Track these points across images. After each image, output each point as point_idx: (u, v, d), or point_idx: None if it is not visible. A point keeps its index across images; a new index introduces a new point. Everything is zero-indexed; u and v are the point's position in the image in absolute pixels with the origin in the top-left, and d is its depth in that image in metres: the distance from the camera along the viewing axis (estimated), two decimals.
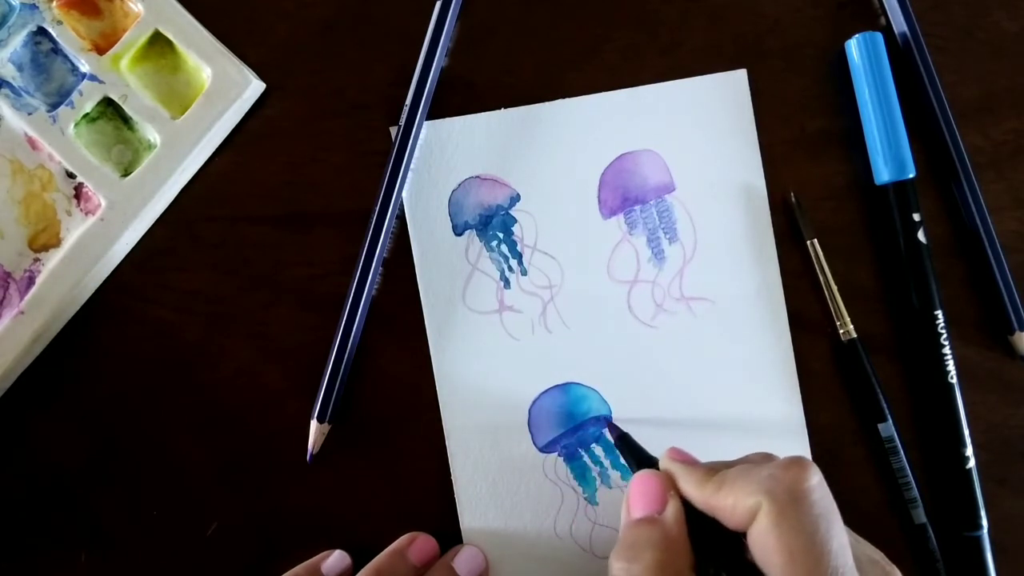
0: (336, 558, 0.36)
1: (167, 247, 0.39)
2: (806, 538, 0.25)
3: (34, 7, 0.38)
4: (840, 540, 0.25)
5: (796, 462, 0.26)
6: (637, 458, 0.33)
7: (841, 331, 0.37)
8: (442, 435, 0.38)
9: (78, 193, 0.38)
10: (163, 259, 0.38)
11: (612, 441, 0.36)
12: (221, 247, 0.38)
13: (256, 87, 0.38)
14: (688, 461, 0.30)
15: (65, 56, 0.38)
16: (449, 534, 0.37)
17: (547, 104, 0.38)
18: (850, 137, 0.38)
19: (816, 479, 0.26)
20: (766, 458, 0.29)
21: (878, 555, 0.28)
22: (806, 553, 0.24)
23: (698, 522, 0.28)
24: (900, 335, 0.38)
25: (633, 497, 0.30)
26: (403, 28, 0.38)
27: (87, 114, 0.38)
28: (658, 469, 0.31)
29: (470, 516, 0.37)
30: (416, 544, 0.36)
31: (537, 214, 0.38)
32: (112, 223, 0.37)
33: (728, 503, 0.27)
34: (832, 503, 0.26)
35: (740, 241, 0.38)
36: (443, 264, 0.38)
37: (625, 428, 0.36)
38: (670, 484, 0.29)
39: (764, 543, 0.25)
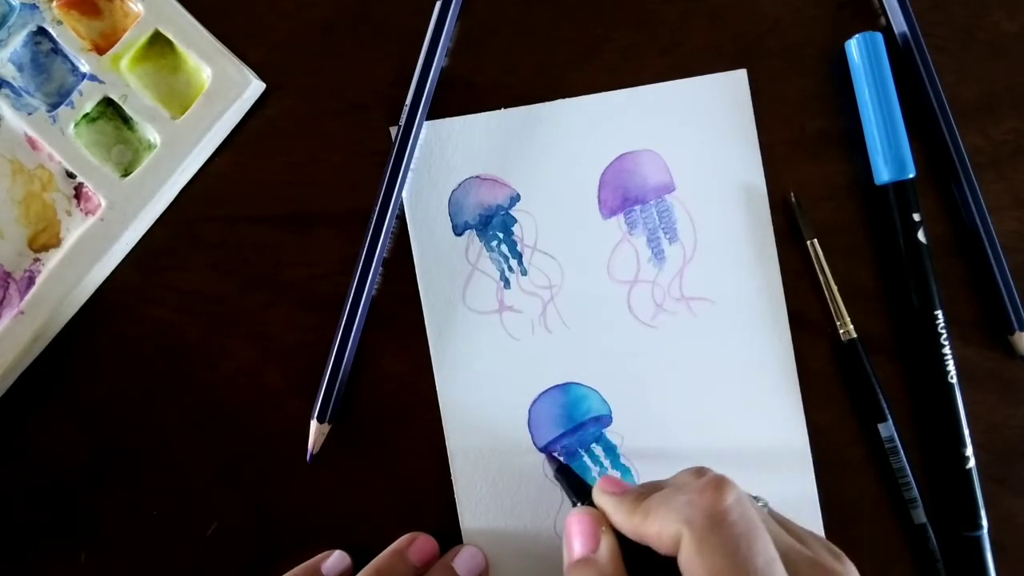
0: (336, 558, 0.36)
1: (167, 247, 0.38)
2: (728, 560, 0.25)
3: (34, 7, 0.38)
4: (766, 555, 0.25)
5: (711, 484, 0.26)
6: (576, 491, 0.33)
7: (841, 331, 0.37)
8: (442, 435, 0.38)
9: (78, 193, 0.38)
10: (163, 259, 0.38)
11: (551, 473, 0.36)
12: (221, 247, 0.38)
13: (256, 87, 0.38)
14: (617, 491, 0.30)
15: (65, 56, 0.38)
16: (449, 534, 0.37)
17: (547, 104, 0.38)
18: (850, 137, 0.38)
19: (731, 499, 0.26)
20: (696, 474, 0.29)
21: (824, 552, 0.28)
22: (730, 575, 0.25)
23: (635, 552, 0.28)
24: (900, 335, 0.38)
25: (569, 537, 0.30)
26: (403, 28, 0.38)
27: (87, 114, 0.38)
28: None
29: (470, 516, 0.37)
30: (416, 544, 0.36)
31: (537, 214, 0.38)
32: (112, 223, 0.37)
33: (654, 531, 0.27)
34: (753, 518, 0.26)
35: (740, 241, 0.38)
36: (443, 264, 0.38)
37: (625, 429, 0.36)
38: (603, 519, 0.29)
39: (690, 569, 0.25)
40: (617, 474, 0.37)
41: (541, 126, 0.38)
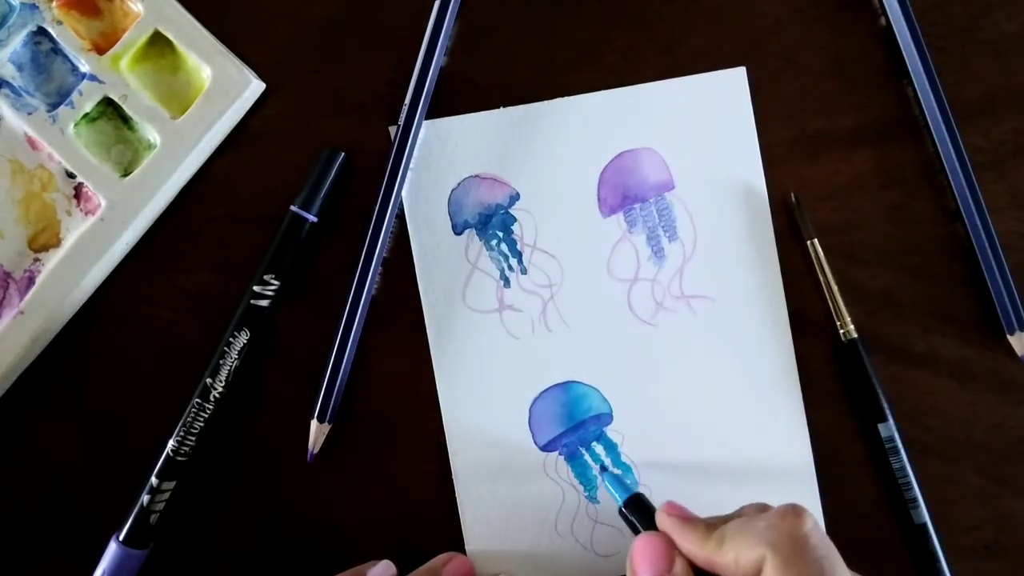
0: (382, 568, 0.35)
1: (167, 247, 0.38)
2: None
3: (34, 7, 0.38)
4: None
5: (790, 511, 0.28)
6: (644, 521, 0.33)
7: (841, 331, 0.37)
8: (442, 435, 0.38)
9: (78, 193, 0.38)
10: (163, 259, 0.38)
11: (620, 504, 0.34)
12: (221, 247, 0.38)
13: (256, 87, 0.38)
14: (685, 517, 0.31)
15: (65, 56, 0.38)
16: (449, 534, 0.37)
17: (547, 103, 0.38)
18: (850, 135, 0.38)
19: (810, 523, 0.28)
20: (760, 509, 0.30)
21: None
22: None
23: None
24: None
25: (638, 560, 0.31)
26: (403, 28, 0.38)
27: (87, 114, 0.38)
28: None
29: (471, 515, 0.37)
30: (452, 565, 0.35)
31: (537, 213, 0.38)
32: (112, 223, 0.37)
33: (730, 559, 0.28)
34: (831, 544, 0.27)
35: (740, 240, 0.38)
36: (443, 263, 0.38)
37: (626, 427, 0.36)
38: (672, 543, 0.30)
39: None
40: (619, 472, 0.37)
41: (541, 125, 0.38)
